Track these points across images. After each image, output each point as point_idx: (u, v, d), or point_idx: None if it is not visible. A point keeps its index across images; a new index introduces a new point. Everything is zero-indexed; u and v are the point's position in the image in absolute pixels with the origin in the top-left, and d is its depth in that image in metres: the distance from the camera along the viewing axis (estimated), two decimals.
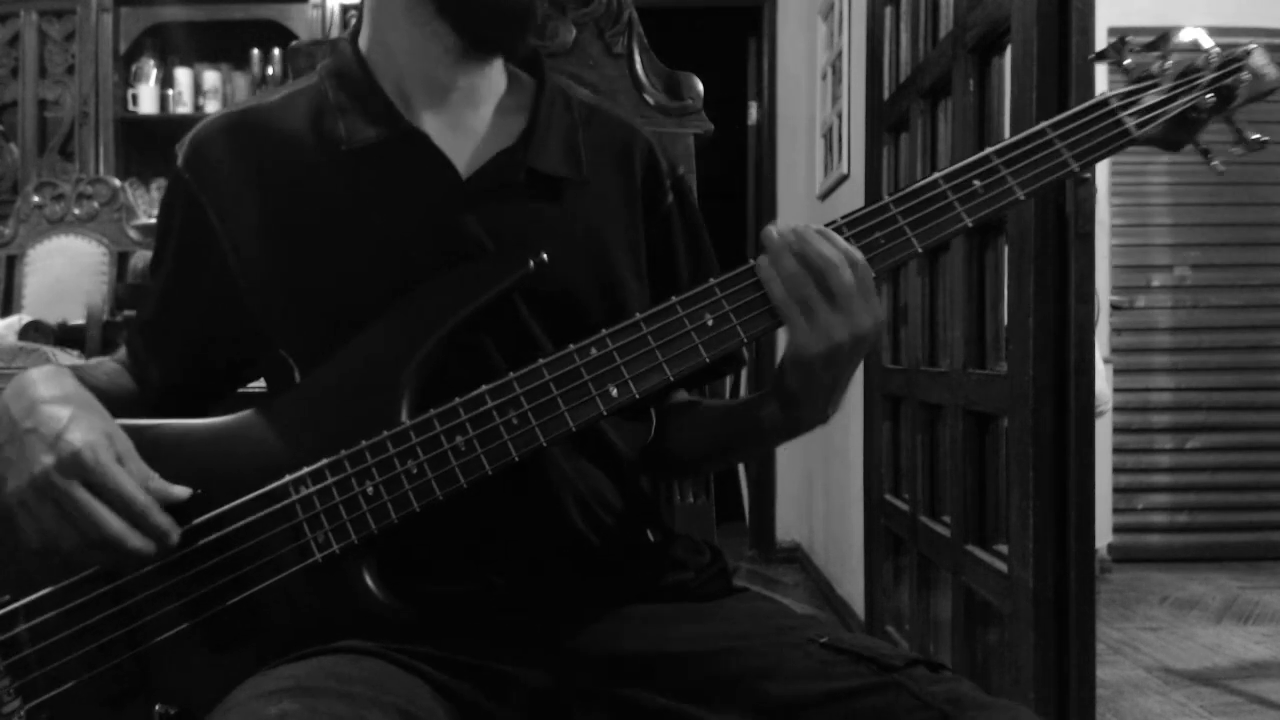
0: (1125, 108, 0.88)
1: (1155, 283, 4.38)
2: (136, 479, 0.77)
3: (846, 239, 0.82)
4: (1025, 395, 1.58)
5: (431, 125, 0.92)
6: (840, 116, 3.50)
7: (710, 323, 0.82)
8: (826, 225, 0.83)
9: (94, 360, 1.00)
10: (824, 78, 3.89)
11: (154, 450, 0.81)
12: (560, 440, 0.81)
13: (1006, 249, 1.77)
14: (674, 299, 0.82)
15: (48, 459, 0.75)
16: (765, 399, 0.91)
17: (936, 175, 0.85)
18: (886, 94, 2.57)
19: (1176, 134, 0.90)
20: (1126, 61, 0.91)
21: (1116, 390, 4.18)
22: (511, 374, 0.81)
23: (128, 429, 0.82)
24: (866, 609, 2.67)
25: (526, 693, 0.82)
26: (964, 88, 1.91)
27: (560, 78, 1.03)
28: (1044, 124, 0.86)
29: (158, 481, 0.79)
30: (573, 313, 0.90)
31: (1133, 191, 4.27)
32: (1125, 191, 4.26)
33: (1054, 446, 1.56)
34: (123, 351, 1.00)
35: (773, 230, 0.82)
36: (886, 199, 0.84)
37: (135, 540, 0.76)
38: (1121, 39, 0.92)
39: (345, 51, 0.97)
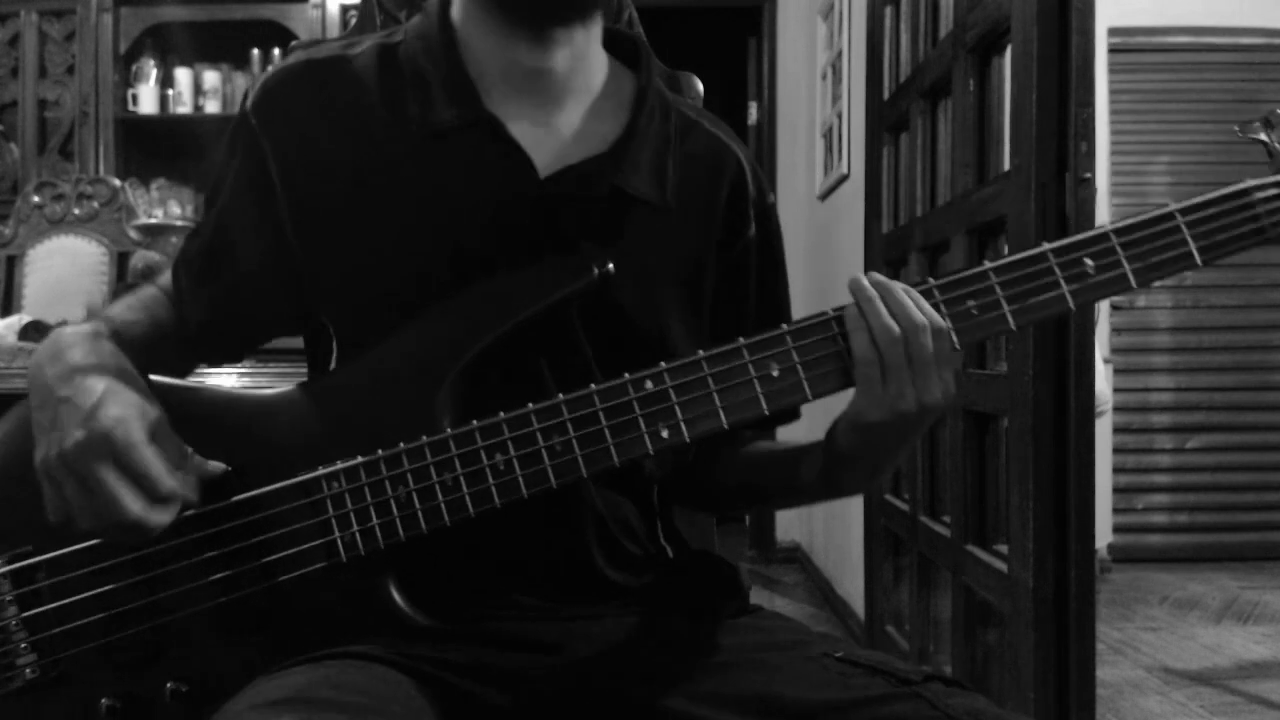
0: (1268, 200, 0.80)
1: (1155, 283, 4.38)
2: (171, 455, 0.75)
3: (935, 303, 0.77)
4: (1025, 395, 1.58)
5: (514, 115, 0.86)
6: (840, 116, 3.50)
7: (776, 373, 0.77)
8: (916, 285, 0.78)
9: (134, 294, 0.95)
10: (824, 78, 3.89)
11: (188, 416, 0.79)
12: (602, 473, 0.78)
13: (1007, 248, 1.77)
14: (741, 341, 0.78)
15: (78, 434, 0.72)
16: (810, 452, 0.87)
17: (1046, 248, 0.78)
18: (886, 94, 2.57)
19: None
20: (1277, 146, 0.83)
21: (1116, 390, 4.18)
22: (561, 396, 0.77)
23: (163, 389, 0.80)
24: (866, 609, 2.67)
25: (539, 699, 0.81)
26: (964, 88, 1.91)
27: (662, 83, 0.97)
28: (1174, 207, 0.79)
29: (193, 457, 0.77)
30: (626, 340, 0.85)
31: (1133, 191, 4.27)
32: (1125, 191, 4.26)
33: (1054, 446, 1.56)
34: (168, 278, 0.96)
35: (863, 279, 0.77)
36: (986, 266, 0.78)
37: (156, 519, 0.74)
38: (1273, 116, 0.83)
39: (433, 17, 0.89)
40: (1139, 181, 4.29)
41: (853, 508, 3.01)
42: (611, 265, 0.81)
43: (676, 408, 0.77)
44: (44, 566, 0.80)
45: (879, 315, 0.76)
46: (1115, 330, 4.31)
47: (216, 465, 0.78)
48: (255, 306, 0.93)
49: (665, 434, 0.77)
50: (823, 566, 3.92)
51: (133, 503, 0.73)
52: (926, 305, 0.76)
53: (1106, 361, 4.10)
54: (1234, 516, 4.33)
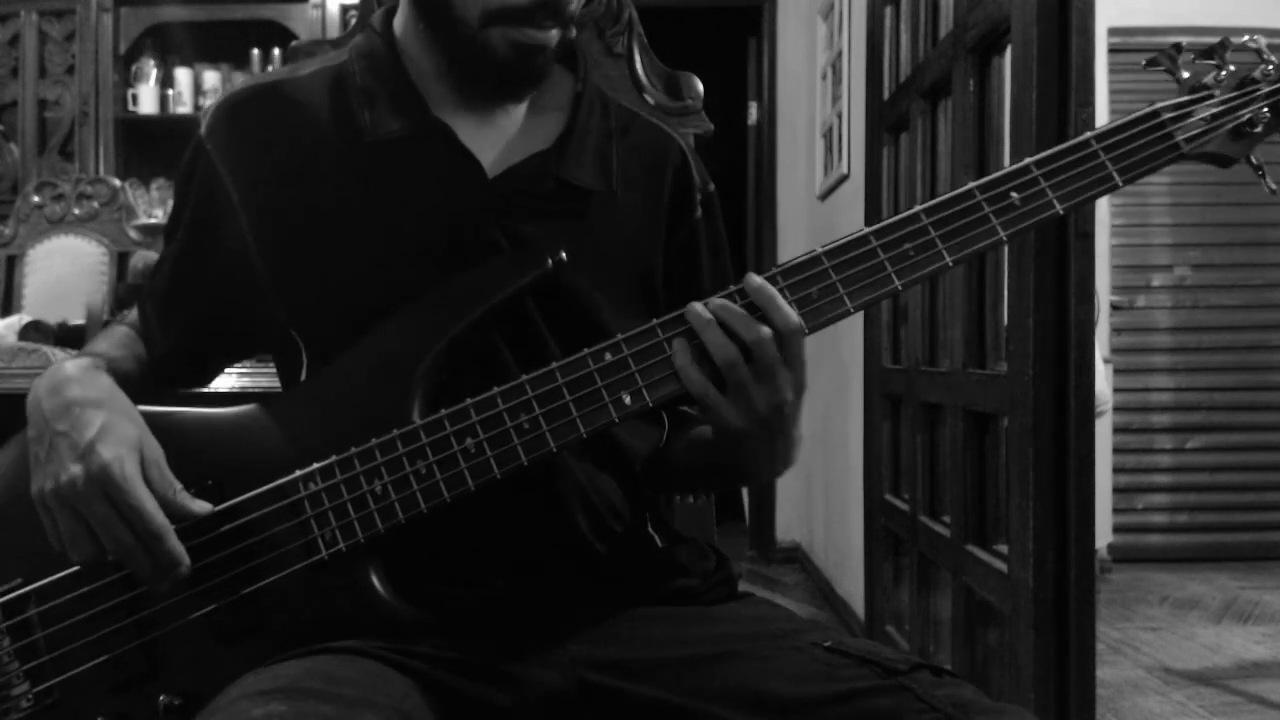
0: (1176, 120, 0.84)
1: (1155, 283, 4.39)
2: (162, 489, 0.77)
3: (876, 245, 0.80)
4: (1025, 395, 1.58)
5: (460, 120, 0.90)
6: (840, 116, 3.49)
7: None
8: (856, 235, 0.80)
9: (110, 332, 0.98)
10: (824, 78, 3.89)
11: (169, 438, 0.81)
12: (570, 446, 0.80)
13: (1006, 249, 1.77)
14: (693, 305, 0.80)
15: (75, 468, 0.75)
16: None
17: (972, 185, 0.81)
18: (886, 94, 2.57)
19: (1229, 150, 0.86)
20: (1182, 74, 0.86)
21: (1116, 390, 4.18)
22: (525, 377, 0.80)
23: (145, 415, 0.82)
24: (866, 609, 2.67)
25: (528, 691, 0.82)
26: (964, 88, 1.91)
27: (597, 81, 1.01)
28: (1089, 135, 0.83)
29: (182, 495, 0.78)
30: (586, 326, 0.88)
31: (1133, 191, 4.27)
32: (1125, 191, 4.24)
33: (1054, 446, 1.56)
34: (134, 314, 0.99)
35: (697, 306, 0.79)
36: (918, 208, 0.81)
37: (144, 561, 0.76)
38: (1177, 46, 0.87)
39: (376, 33, 0.93)
40: (1138, 181, 4.28)
41: (853, 508, 3.01)
42: (564, 254, 0.84)
43: (636, 375, 0.79)
44: (34, 596, 0.80)
45: (714, 341, 0.77)
46: (1115, 330, 4.31)
47: (203, 506, 0.79)
48: (223, 330, 0.95)
49: (628, 400, 0.79)
50: (823, 566, 3.91)
51: (125, 536, 0.75)
52: (784, 306, 0.78)
53: (1106, 361, 4.10)
54: (1234, 516, 4.33)
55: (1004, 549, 1.74)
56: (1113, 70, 4.15)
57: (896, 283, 0.80)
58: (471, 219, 0.88)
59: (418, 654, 0.80)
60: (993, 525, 1.89)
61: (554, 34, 0.87)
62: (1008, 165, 0.83)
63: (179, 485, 0.79)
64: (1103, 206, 4.01)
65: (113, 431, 0.77)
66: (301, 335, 0.90)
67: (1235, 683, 2.74)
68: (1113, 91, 4.15)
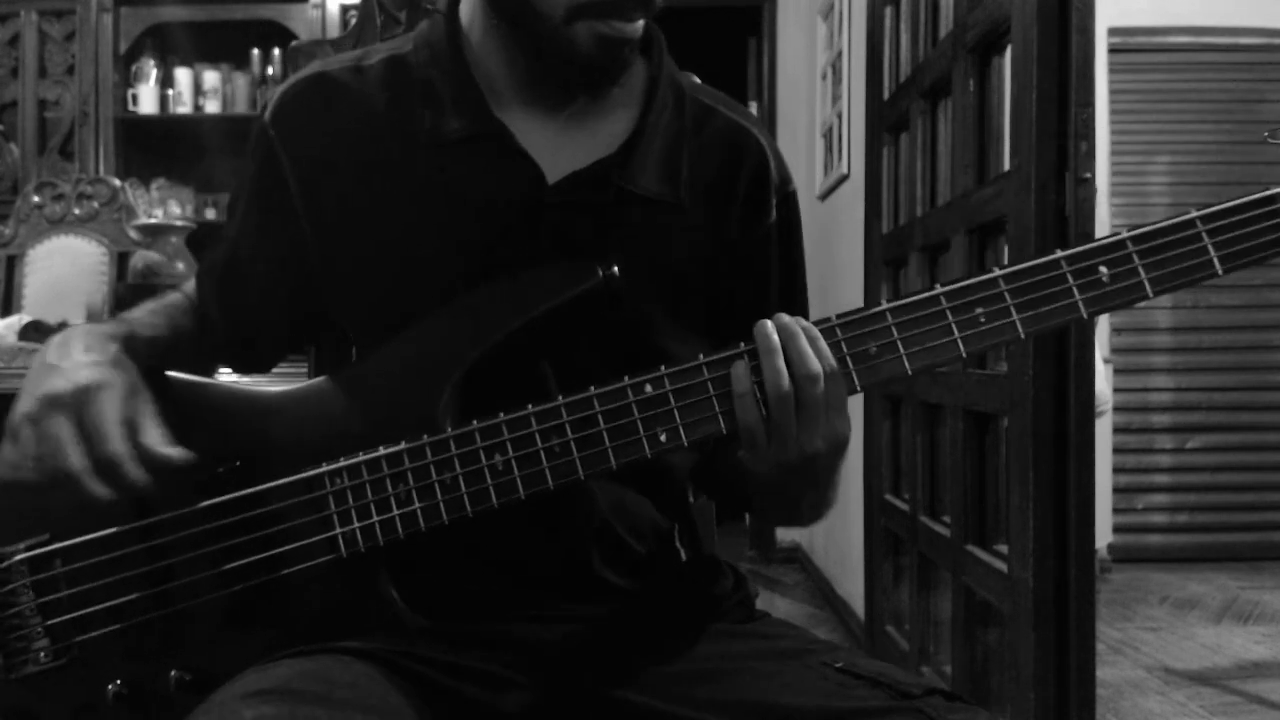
0: None
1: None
2: (143, 433, 0.76)
3: (943, 309, 0.76)
4: (1025, 395, 1.58)
5: (523, 118, 0.87)
6: (840, 116, 3.49)
7: None
8: (925, 291, 0.76)
9: (160, 298, 0.97)
10: (824, 78, 3.89)
11: (200, 410, 0.81)
12: (599, 475, 0.78)
13: (1006, 248, 1.77)
14: (743, 346, 0.77)
15: (54, 383, 0.75)
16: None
17: (1059, 255, 0.76)
18: (886, 94, 2.57)
19: None
20: None
21: (1116, 390, 4.18)
22: (561, 399, 0.78)
23: (180, 385, 0.83)
24: (866, 609, 2.67)
25: (532, 697, 0.81)
26: (964, 88, 1.91)
27: (675, 69, 0.96)
28: (1194, 214, 0.76)
29: (156, 439, 0.76)
30: (635, 344, 0.85)
31: (1133, 191, 4.27)
32: (1125, 191, 4.26)
33: (1054, 446, 1.56)
34: (192, 286, 0.98)
35: (768, 325, 0.75)
36: (996, 273, 0.77)
37: (93, 485, 0.74)
38: None
39: (440, 23, 0.90)
40: (1139, 181, 4.29)
41: (853, 508, 3.01)
42: (616, 269, 0.81)
43: (675, 412, 0.77)
44: (60, 554, 0.81)
45: (773, 368, 0.74)
46: (1115, 330, 4.31)
47: (177, 452, 0.77)
48: (277, 315, 0.95)
49: (664, 438, 0.77)
50: (823, 566, 3.91)
51: (75, 457, 0.73)
52: (825, 348, 0.75)
53: (1106, 361, 4.10)
54: (1234, 516, 4.33)
55: (1004, 549, 1.74)
56: (1113, 70, 4.15)
57: (961, 349, 0.76)
58: (527, 225, 0.85)
59: (421, 657, 0.80)
60: (993, 525, 1.89)
61: (640, 24, 0.84)
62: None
63: (159, 432, 0.77)
64: (1102, 204, 4.01)
65: (102, 367, 0.78)
66: (352, 328, 0.90)
67: (1235, 683, 2.74)
68: (1113, 91, 4.15)
